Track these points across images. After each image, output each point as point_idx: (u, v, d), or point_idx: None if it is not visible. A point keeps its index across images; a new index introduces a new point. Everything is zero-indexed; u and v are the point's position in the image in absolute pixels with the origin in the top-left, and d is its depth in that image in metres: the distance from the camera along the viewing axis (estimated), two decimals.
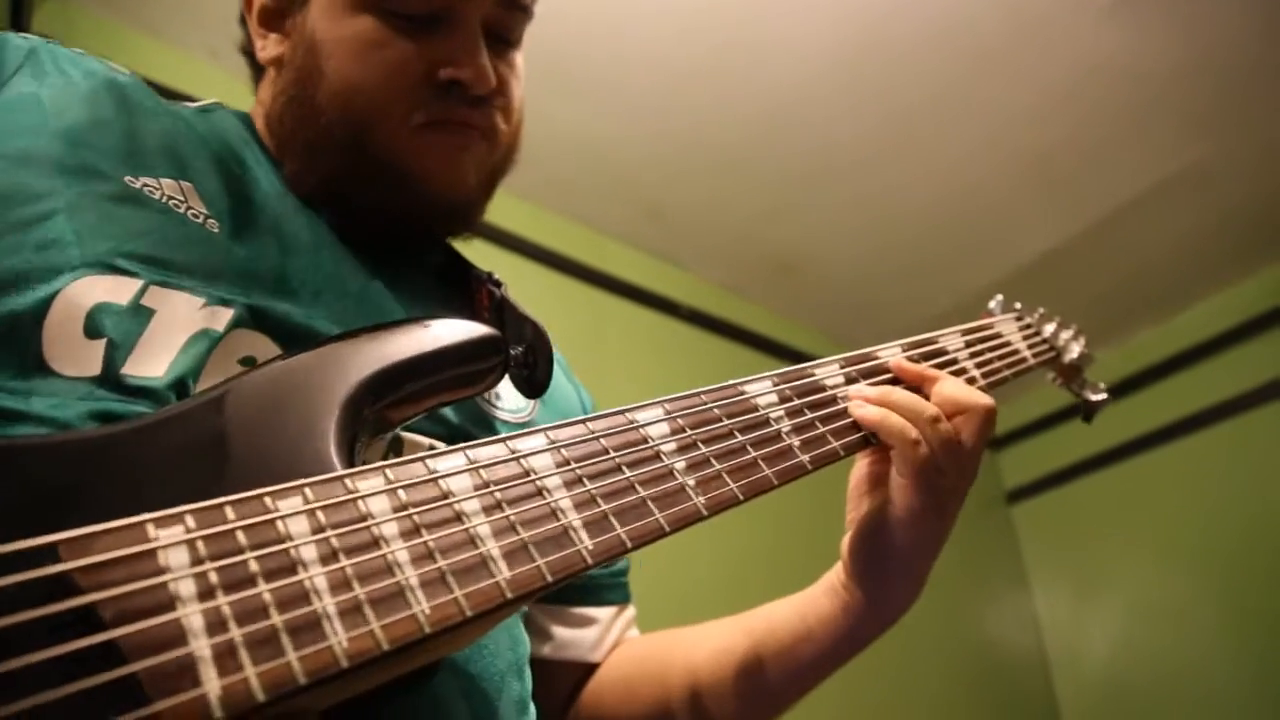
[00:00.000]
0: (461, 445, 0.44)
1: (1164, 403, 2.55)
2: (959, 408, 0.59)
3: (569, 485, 0.45)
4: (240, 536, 0.36)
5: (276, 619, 0.34)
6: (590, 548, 0.43)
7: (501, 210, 2.19)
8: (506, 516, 0.42)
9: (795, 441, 0.55)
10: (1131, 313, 2.63)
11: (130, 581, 0.32)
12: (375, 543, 0.38)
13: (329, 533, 0.38)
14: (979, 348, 0.73)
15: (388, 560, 0.38)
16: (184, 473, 0.40)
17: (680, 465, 0.49)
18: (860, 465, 0.64)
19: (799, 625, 0.64)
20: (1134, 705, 2.38)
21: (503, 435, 0.45)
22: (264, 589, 0.35)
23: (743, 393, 0.56)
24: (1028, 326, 0.84)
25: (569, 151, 2.06)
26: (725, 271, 2.46)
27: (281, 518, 0.37)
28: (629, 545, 0.44)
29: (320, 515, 0.38)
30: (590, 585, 0.75)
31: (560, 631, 0.74)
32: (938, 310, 2.55)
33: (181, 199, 0.55)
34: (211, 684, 0.31)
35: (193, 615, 0.32)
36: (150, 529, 0.34)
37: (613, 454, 0.48)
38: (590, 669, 0.75)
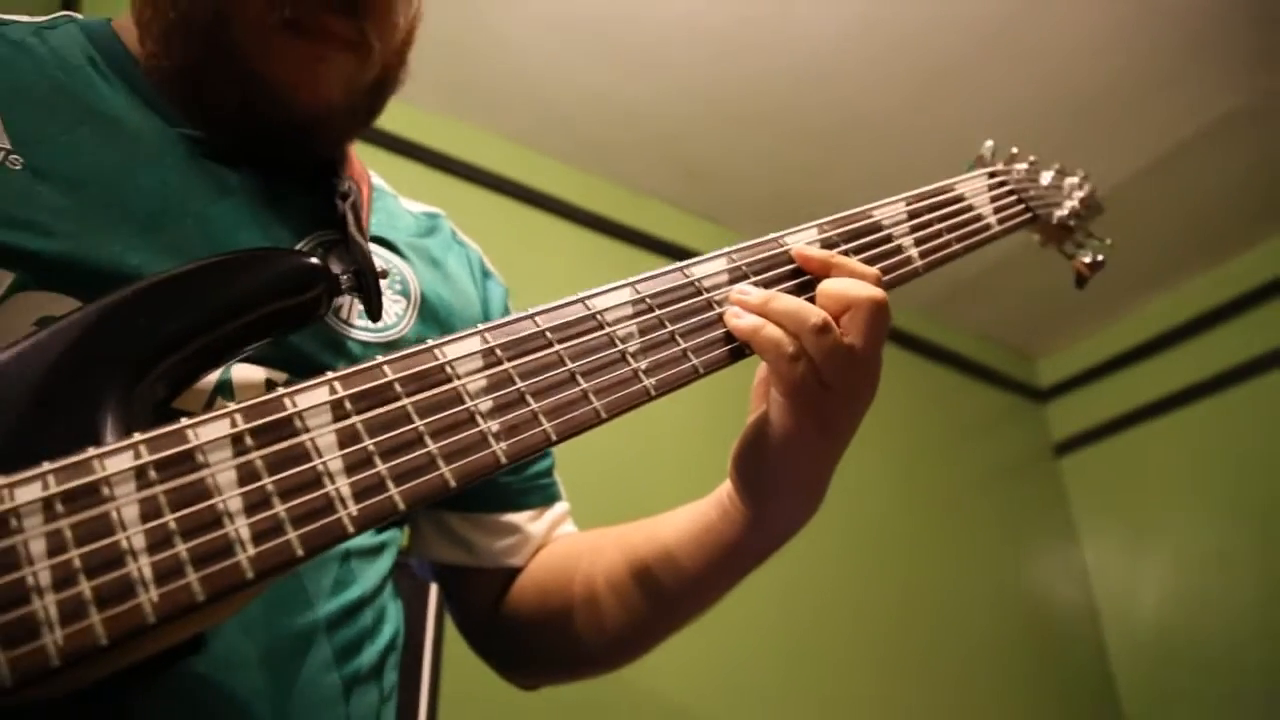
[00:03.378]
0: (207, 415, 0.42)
1: (1217, 350, 2.44)
2: (844, 305, 0.52)
3: (344, 443, 0.43)
4: None
5: None
6: (354, 514, 0.41)
7: (541, 173, 2.13)
8: (263, 486, 0.41)
9: (642, 365, 0.50)
10: (1183, 258, 2.53)
11: None
12: (111, 529, 0.38)
13: (62, 521, 0.38)
14: (926, 218, 0.63)
15: (120, 549, 0.38)
16: None
17: (485, 407, 0.46)
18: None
19: (693, 537, 0.62)
20: (1184, 655, 2.37)
21: (277, 393, 0.43)
22: None
23: (588, 308, 0.51)
24: (1001, 184, 0.71)
25: (605, 114, 2.08)
26: (765, 228, 2.45)
27: (15, 510, 0.37)
28: (401, 508, 0.42)
29: (58, 505, 0.38)
30: (506, 491, 0.75)
31: (478, 539, 0.74)
32: (984, 258, 2.47)
33: None
34: None
35: None
36: None
37: (405, 401, 0.45)
38: (514, 573, 0.75)
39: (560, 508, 0.79)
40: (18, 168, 0.53)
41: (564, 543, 0.76)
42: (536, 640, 0.73)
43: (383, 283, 0.65)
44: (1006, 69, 1.98)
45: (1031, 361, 2.98)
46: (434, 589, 1.14)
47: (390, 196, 0.77)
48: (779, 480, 0.56)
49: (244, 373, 0.54)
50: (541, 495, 0.78)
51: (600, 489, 1.25)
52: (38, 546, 0.37)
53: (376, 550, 0.62)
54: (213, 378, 0.52)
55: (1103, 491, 2.70)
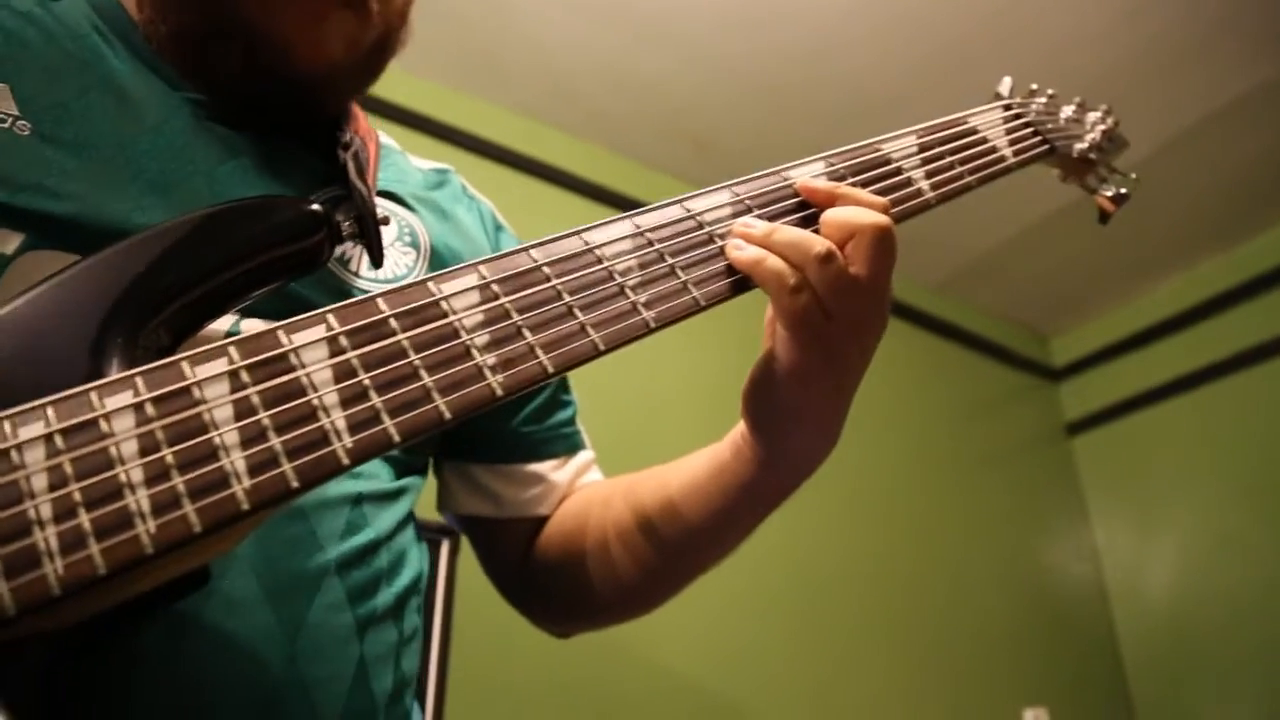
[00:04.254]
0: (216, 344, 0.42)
1: (1230, 333, 2.43)
2: (848, 232, 0.51)
3: (339, 378, 0.43)
4: None
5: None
6: (349, 446, 0.41)
7: (548, 145, 2.12)
8: (258, 420, 0.41)
9: (641, 298, 0.49)
10: (1197, 240, 2.50)
11: None
12: (110, 463, 0.38)
13: (63, 456, 0.38)
14: (938, 150, 0.61)
15: (118, 482, 0.38)
16: None
17: (481, 341, 0.45)
18: None
19: (706, 479, 0.62)
20: (1193, 634, 2.36)
21: (277, 326, 0.43)
22: None
23: (586, 243, 0.51)
24: (1016, 117, 0.68)
25: (615, 86, 2.07)
26: None
27: (18, 445, 0.38)
28: (397, 440, 0.42)
29: (58, 440, 0.38)
30: (529, 441, 0.75)
31: (504, 490, 0.74)
32: (990, 240, 2.52)
33: None
34: None
35: None
36: None
37: (401, 335, 0.45)
38: (541, 522, 0.75)
39: (584, 456, 0.79)
40: (25, 133, 0.53)
41: (584, 492, 0.76)
42: (560, 589, 0.73)
43: (390, 234, 0.65)
44: (1013, 47, 1.94)
45: (1045, 341, 2.99)
46: (444, 550, 1.15)
47: (399, 154, 0.77)
48: (789, 416, 0.55)
49: (252, 327, 0.54)
50: (565, 444, 0.77)
51: (612, 446, 1.26)
52: (39, 481, 0.37)
53: (393, 495, 0.62)
54: (222, 328, 0.53)
55: (1114, 472, 2.70)
